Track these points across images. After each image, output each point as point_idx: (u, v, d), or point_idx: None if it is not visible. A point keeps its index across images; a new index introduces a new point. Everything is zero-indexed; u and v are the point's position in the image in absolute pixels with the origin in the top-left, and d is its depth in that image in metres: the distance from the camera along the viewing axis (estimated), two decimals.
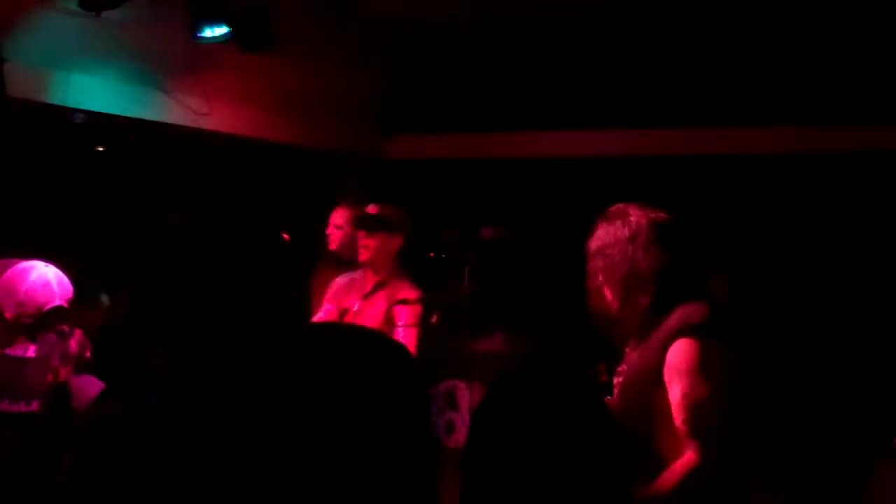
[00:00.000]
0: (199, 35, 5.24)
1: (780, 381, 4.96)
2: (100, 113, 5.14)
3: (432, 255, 5.19)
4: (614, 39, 6.63)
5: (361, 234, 4.46)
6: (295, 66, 6.17)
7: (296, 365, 1.29)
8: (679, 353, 2.68)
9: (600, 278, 2.86)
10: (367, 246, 4.43)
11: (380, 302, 4.38)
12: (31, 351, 2.68)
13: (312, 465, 1.23)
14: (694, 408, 2.64)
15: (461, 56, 7.13)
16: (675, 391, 2.66)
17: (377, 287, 4.42)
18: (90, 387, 2.70)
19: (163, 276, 1.48)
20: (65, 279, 2.80)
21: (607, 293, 2.86)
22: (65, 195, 5.51)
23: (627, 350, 2.94)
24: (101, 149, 6.20)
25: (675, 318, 2.72)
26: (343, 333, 1.41)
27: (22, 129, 4.56)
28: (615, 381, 2.93)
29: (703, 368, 2.64)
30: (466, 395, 4.93)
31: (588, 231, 2.96)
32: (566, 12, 6.24)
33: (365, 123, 7.15)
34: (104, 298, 4.34)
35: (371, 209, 4.53)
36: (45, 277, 2.74)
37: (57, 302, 2.73)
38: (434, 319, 4.36)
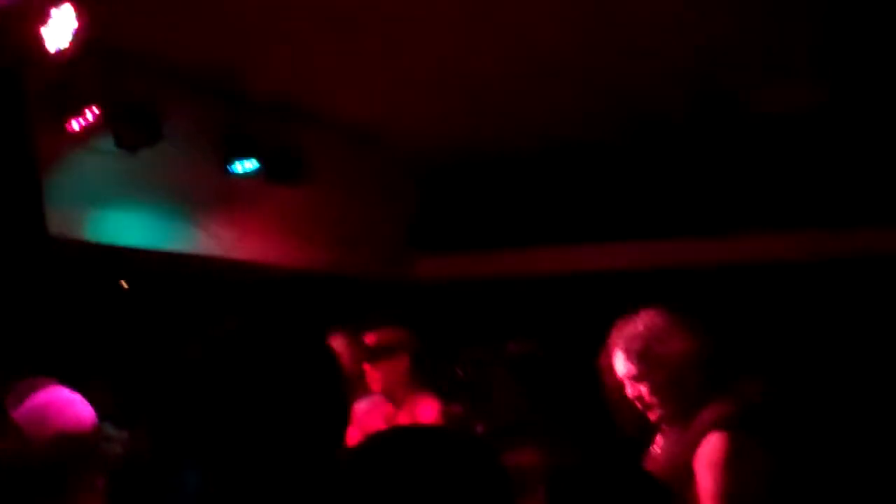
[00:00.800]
0: (229, 169, 5.43)
1: (814, 480, 4.91)
2: (131, 247, 5.24)
3: (461, 372, 5.18)
4: (632, 158, 6.79)
5: (367, 367, 4.26)
6: (323, 196, 6.31)
7: (382, 474, 1.27)
8: (711, 446, 2.68)
9: (645, 379, 2.83)
10: (375, 378, 4.25)
11: (405, 421, 4.26)
12: None
13: None
14: (726, 500, 2.63)
15: (481, 178, 7.30)
16: (707, 484, 2.66)
17: (399, 409, 4.27)
18: None
19: (205, 395, 1.47)
20: (91, 415, 2.80)
21: (649, 392, 2.84)
22: (93, 328, 5.58)
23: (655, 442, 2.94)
24: (125, 284, 6.30)
25: (707, 412, 2.74)
26: (419, 436, 1.37)
27: (56, 265, 4.67)
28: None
29: (735, 462, 2.65)
30: None
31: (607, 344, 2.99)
32: (583, 135, 6.43)
33: (393, 248, 7.28)
34: (122, 433, 4.32)
35: (368, 338, 4.30)
36: (78, 420, 2.66)
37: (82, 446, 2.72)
38: (480, 431, 4.27)
